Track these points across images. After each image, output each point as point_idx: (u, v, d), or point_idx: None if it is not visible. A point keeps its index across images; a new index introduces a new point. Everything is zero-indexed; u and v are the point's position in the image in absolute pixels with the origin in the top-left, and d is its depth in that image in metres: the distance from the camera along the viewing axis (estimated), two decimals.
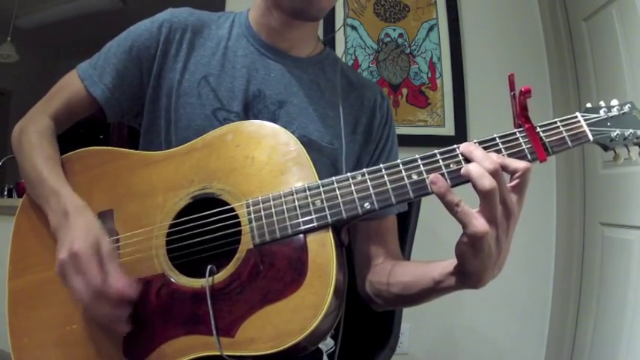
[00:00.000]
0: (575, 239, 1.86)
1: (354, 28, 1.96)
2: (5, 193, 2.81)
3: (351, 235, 0.87)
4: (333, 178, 0.63)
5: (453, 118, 1.92)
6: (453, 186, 0.58)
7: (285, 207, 0.63)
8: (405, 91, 1.93)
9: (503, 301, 1.85)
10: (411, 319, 1.79)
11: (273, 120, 0.80)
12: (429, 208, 1.18)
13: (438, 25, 1.98)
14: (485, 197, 0.54)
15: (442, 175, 0.59)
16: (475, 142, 0.60)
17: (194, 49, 0.84)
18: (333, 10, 1.76)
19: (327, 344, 0.87)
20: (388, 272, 0.77)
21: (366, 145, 0.88)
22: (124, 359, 0.65)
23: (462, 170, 0.57)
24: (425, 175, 0.60)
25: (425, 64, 1.95)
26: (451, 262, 0.63)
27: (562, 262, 1.90)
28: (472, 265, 0.58)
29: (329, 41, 1.65)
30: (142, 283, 0.66)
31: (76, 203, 0.69)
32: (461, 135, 1.91)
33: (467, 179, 0.56)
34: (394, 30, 1.98)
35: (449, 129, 1.92)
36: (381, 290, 0.78)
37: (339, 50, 1.81)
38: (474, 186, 0.55)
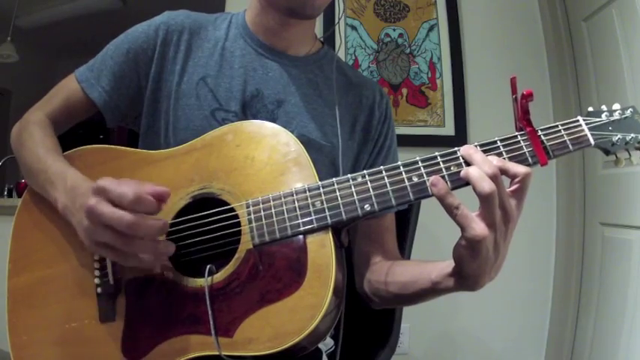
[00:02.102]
0: (575, 239, 1.86)
1: (354, 28, 1.96)
2: (5, 193, 2.81)
3: (350, 234, 0.87)
4: (334, 179, 0.63)
5: (452, 118, 1.92)
6: (454, 189, 0.59)
7: (285, 207, 0.63)
8: (405, 91, 1.93)
9: (503, 301, 1.85)
10: (410, 319, 1.79)
11: (272, 119, 0.80)
12: (429, 210, 1.18)
13: (438, 25, 1.98)
14: (485, 201, 0.55)
15: (442, 177, 0.59)
16: (476, 145, 0.60)
17: (192, 51, 0.84)
18: (332, 8, 1.75)
19: (326, 344, 0.87)
20: (386, 271, 0.77)
21: (365, 143, 0.88)
22: (122, 358, 0.65)
23: (462, 173, 0.57)
24: (425, 178, 0.60)
25: (425, 64, 1.95)
26: (449, 264, 0.63)
27: (562, 262, 1.90)
28: (470, 268, 0.58)
29: (328, 39, 1.65)
30: (141, 281, 0.66)
31: (83, 178, 0.68)
32: (461, 135, 1.91)
33: (467, 182, 0.57)
34: (394, 30, 1.98)
35: (449, 129, 1.92)
36: (378, 289, 0.78)
37: (337, 51, 1.81)
38: (474, 189, 0.55)
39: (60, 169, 0.71)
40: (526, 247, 1.86)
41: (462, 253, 0.58)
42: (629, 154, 0.62)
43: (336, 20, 1.79)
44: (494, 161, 0.57)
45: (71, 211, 0.66)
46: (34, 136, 0.78)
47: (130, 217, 0.57)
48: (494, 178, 0.55)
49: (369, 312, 0.85)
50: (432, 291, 0.67)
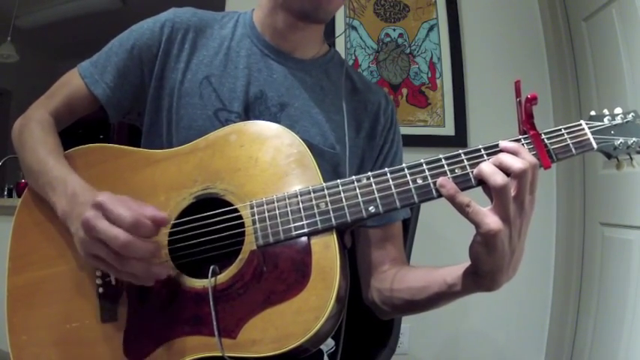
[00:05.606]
0: (575, 239, 1.86)
1: (354, 28, 1.96)
2: (5, 193, 2.80)
3: (356, 242, 0.86)
4: (338, 180, 0.63)
5: (453, 118, 1.92)
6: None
7: (289, 209, 0.63)
8: (405, 91, 1.94)
9: (503, 300, 1.86)
10: (411, 320, 1.79)
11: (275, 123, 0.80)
12: (429, 211, 1.18)
13: (438, 25, 1.98)
14: (499, 194, 0.55)
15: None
16: (480, 148, 0.61)
17: (196, 49, 0.83)
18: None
19: (327, 344, 0.87)
20: (397, 279, 0.77)
21: (370, 149, 0.87)
22: (124, 358, 0.65)
23: (475, 172, 0.58)
24: (430, 180, 0.60)
25: (425, 64, 1.96)
26: (464, 265, 0.64)
27: (562, 262, 1.90)
28: (487, 266, 0.59)
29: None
30: None
31: (84, 186, 0.68)
32: (461, 135, 1.91)
33: (472, 184, 0.58)
34: (394, 30, 1.98)
35: (449, 129, 1.92)
36: (389, 297, 0.77)
37: (340, 52, 1.81)
38: (488, 183, 0.56)
39: (61, 173, 0.70)
40: (526, 247, 1.86)
41: (477, 250, 0.58)
42: (631, 158, 0.62)
43: (338, 26, 1.79)
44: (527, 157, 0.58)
45: (70, 219, 0.65)
46: (35, 135, 0.77)
47: (125, 237, 0.57)
48: (534, 168, 0.56)
49: (369, 313, 0.85)
50: (448, 294, 0.67)
